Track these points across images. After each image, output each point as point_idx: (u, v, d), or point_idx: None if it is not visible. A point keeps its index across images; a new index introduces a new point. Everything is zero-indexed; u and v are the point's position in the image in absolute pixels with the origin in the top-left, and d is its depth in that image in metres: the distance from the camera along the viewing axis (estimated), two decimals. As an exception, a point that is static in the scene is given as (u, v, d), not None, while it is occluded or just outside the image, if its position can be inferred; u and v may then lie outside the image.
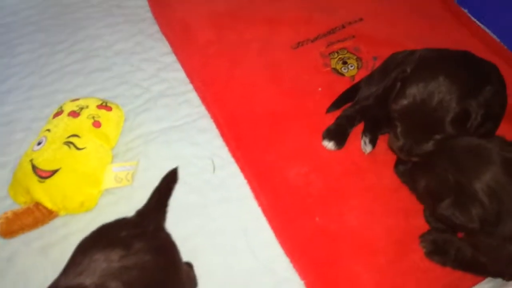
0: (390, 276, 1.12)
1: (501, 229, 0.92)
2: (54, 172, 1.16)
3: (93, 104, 1.31)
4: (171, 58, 1.58)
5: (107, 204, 1.27)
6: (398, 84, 1.10)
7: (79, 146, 1.21)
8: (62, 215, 1.21)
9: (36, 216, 1.16)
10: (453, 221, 0.95)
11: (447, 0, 1.72)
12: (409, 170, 1.16)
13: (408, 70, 1.08)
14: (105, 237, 0.92)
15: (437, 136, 1.03)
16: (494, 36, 1.63)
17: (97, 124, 1.27)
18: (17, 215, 1.15)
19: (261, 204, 1.25)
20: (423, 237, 1.15)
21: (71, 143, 1.20)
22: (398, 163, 1.25)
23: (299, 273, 1.13)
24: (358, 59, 1.52)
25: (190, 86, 1.51)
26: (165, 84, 1.52)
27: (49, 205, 1.16)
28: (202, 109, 1.45)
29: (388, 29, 1.60)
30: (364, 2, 1.69)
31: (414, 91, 1.03)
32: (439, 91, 1.00)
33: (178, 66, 1.56)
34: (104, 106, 1.32)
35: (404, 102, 1.04)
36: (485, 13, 1.67)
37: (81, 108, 1.29)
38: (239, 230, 1.22)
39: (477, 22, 1.67)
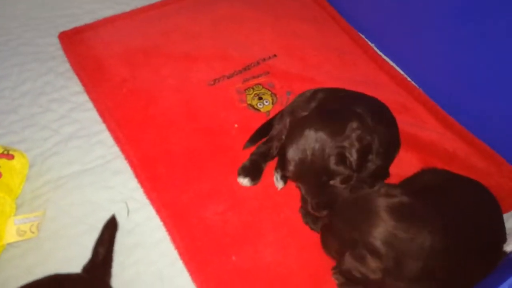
0: (305, 311, 1.14)
1: (404, 271, 0.95)
2: None
3: None
4: (83, 98, 1.53)
5: (12, 258, 1.18)
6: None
7: None
8: None
9: None
10: (356, 275, 0.97)
11: (355, 36, 1.83)
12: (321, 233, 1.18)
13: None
14: (51, 286, 0.93)
15: (333, 181, 1.08)
16: (399, 69, 1.75)
17: None
18: None
19: (177, 247, 1.22)
20: (335, 269, 1.18)
21: None
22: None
23: (214, 317, 1.11)
24: (273, 95, 1.57)
25: (103, 126, 1.46)
26: (77, 125, 1.46)
27: None
28: (116, 150, 1.41)
29: (301, 65, 1.67)
30: (277, 39, 1.76)
31: (292, 155, 1.09)
32: (308, 144, 1.06)
33: (90, 105, 1.51)
34: (5, 154, 1.24)
35: (291, 167, 1.10)
36: (390, 47, 1.80)
37: None
38: (155, 277, 1.18)
39: (383, 55, 1.80)
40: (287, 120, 1.24)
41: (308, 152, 1.05)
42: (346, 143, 1.05)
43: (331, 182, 1.08)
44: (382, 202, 0.96)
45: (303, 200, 1.17)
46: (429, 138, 1.47)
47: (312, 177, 1.08)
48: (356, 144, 1.06)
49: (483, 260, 1.05)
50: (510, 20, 1.29)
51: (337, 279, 1.17)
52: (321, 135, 1.05)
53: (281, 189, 1.34)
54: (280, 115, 1.40)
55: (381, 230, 0.93)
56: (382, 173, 1.22)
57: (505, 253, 1.13)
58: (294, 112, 1.29)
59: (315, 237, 1.25)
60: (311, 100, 1.29)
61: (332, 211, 1.07)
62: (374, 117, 1.15)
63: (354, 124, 1.08)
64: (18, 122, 1.46)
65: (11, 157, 1.24)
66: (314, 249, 1.24)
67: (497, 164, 1.43)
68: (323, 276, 1.19)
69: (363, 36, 1.85)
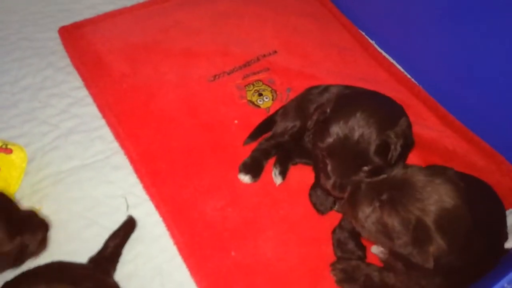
0: (304, 307, 1.14)
1: (442, 263, 0.92)
2: None
3: None
4: (83, 93, 1.53)
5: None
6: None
7: None
8: None
9: None
10: (409, 259, 0.94)
11: (356, 33, 1.83)
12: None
13: (328, 110, 1.13)
14: (55, 271, 0.95)
15: (365, 168, 1.07)
16: (399, 66, 1.75)
17: None
18: None
19: (176, 242, 1.22)
20: (333, 265, 1.19)
21: None
22: (315, 190, 1.29)
23: (214, 312, 1.12)
24: (273, 91, 1.57)
25: (103, 121, 1.46)
26: (77, 120, 1.46)
27: None
28: (115, 145, 1.41)
29: (301, 61, 1.67)
30: (277, 35, 1.76)
31: (337, 129, 1.07)
32: (359, 125, 1.05)
33: (90, 100, 1.51)
34: (4, 148, 1.24)
35: (330, 140, 1.08)
36: (390, 44, 1.80)
37: None
38: (155, 272, 1.18)
39: (383, 53, 1.79)
40: (332, 91, 1.23)
41: (356, 133, 1.04)
42: (393, 136, 1.05)
43: (365, 169, 1.07)
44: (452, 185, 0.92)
45: (320, 177, 1.15)
46: (429, 136, 1.47)
47: (348, 156, 1.07)
48: (402, 140, 1.06)
49: (489, 256, 1.05)
50: (509, 17, 1.29)
51: (336, 275, 1.17)
52: (374, 121, 1.05)
53: (279, 184, 1.34)
54: (283, 110, 1.39)
55: (448, 217, 0.90)
56: None
57: (506, 250, 1.13)
58: (304, 106, 1.28)
59: (315, 233, 1.26)
60: (324, 93, 1.28)
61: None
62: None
63: (405, 121, 1.09)
64: (18, 117, 1.46)
65: (10, 151, 1.24)
66: (313, 245, 1.24)
67: (497, 163, 1.43)
68: (322, 272, 1.19)
69: (363, 33, 1.85)
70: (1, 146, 1.25)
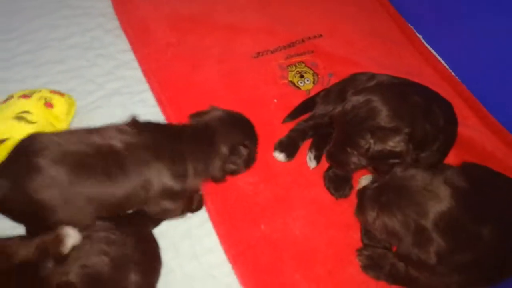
0: (327, 285, 1.16)
1: (455, 259, 0.95)
2: (2, 141, 1.15)
3: (45, 90, 1.30)
4: (129, 56, 1.56)
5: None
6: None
7: (30, 119, 1.20)
8: None
9: None
10: (412, 257, 0.97)
11: (403, 25, 1.80)
12: (360, 203, 1.12)
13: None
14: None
15: (362, 143, 1.08)
16: (444, 63, 1.72)
17: (49, 105, 1.26)
18: None
19: (208, 209, 1.26)
20: (360, 251, 1.20)
21: (22, 118, 1.19)
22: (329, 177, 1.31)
23: (239, 279, 1.15)
24: (315, 74, 1.57)
25: (146, 86, 1.49)
26: (121, 82, 1.50)
27: None
28: (157, 110, 1.44)
29: (346, 48, 1.66)
30: (324, 19, 1.75)
31: (351, 101, 1.10)
32: (374, 103, 1.07)
33: (135, 64, 1.54)
34: (57, 92, 1.30)
35: (339, 108, 1.11)
36: (438, 40, 1.77)
37: (33, 92, 1.27)
38: (184, 235, 1.22)
39: (430, 48, 1.77)
40: (381, 81, 1.26)
41: (365, 109, 1.07)
42: (403, 133, 1.05)
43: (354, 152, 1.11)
44: (449, 187, 0.95)
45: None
46: (468, 135, 1.45)
47: (349, 129, 1.10)
48: (411, 144, 1.07)
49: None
50: None
51: (361, 261, 1.19)
52: (395, 108, 1.07)
53: (313, 168, 1.35)
54: (325, 93, 1.39)
55: (446, 217, 0.93)
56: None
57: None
58: (347, 90, 1.27)
59: (344, 218, 1.27)
60: (371, 80, 1.28)
61: (386, 184, 1.03)
62: (446, 117, 1.16)
63: (422, 125, 1.09)
64: (65, 73, 1.50)
65: (62, 95, 1.31)
66: (341, 229, 1.25)
67: (536, 169, 1.41)
68: (348, 256, 1.21)
69: (411, 27, 1.82)
70: (54, 91, 1.31)
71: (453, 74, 1.68)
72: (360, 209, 1.07)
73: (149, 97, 1.46)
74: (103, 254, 0.93)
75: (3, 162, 0.98)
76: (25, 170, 0.94)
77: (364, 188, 1.07)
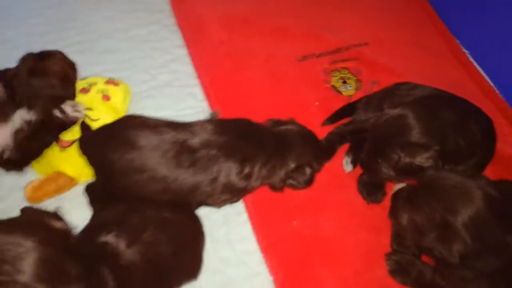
0: (353, 285, 1.20)
1: (481, 264, 0.98)
2: (73, 142, 1.25)
3: (101, 80, 1.40)
4: (183, 51, 1.66)
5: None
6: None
7: (93, 117, 1.30)
8: (82, 183, 1.29)
9: (58, 183, 1.26)
10: (435, 254, 1.01)
11: (449, 39, 1.81)
12: (393, 205, 1.18)
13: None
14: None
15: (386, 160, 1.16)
16: (488, 79, 1.72)
17: (106, 98, 1.36)
18: (41, 182, 1.25)
19: (245, 200, 1.32)
20: (389, 255, 1.23)
21: (86, 115, 1.29)
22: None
23: (270, 269, 1.21)
24: (358, 81, 1.61)
25: (196, 81, 1.59)
26: (173, 75, 1.60)
27: (70, 172, 1.25)
28: (205, 104, 1.53)
29: (391, 58, 1.69)
30: (371, 28, 1.79)
31: (388, 113, 1.16)
32: (407, 117, 1.14)
33: (188, 59, 1.64)
34: (111, 82, 1.40)
35: (374, 118, 1.18)
36: (483, 55, 1.76)
37: (90, 85, 1.37)
38: (223, 221, 1.29)
39: (474, 63, 1.77)
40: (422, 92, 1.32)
41: (398, 124, 1.14)
42: (432, 150, 1.12)
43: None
44: (481, 191, 0.98)
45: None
46: (507, 153, 1.45)
47: (381, 141, 1.18)
48: (436, 162, 1.13)
49: None
50: None
51: (389, 265, 1.21)
52: (427, 124, 1.14)
53: (349, 172, 1.39)
54: (367, 100, 1.43)
55: (475, 218, 0.95)
56: None
57: None
58: (389, 99, 1.32)
59: (375, 222, 1.30)
60: (413, 90, 1.32)
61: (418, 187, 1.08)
62: (484, 132, 1.20)
63: (455, 141, 1.15)
64: (121, 63, 1.62)
65: (116, 84, 1.41)
66: (371, 233, 1.29)
67: None
68: (376, 259, 1.24)
69: (457, 41, 1.82)
70: (109, 80, 1.41)
71: (496, 90, 1.67)
72: (393, 211, 1.11)
73: (198, 92, 1.55)
74: (161, 232, 1.01)
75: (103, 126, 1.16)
76: (118, 142, 1.08)
77: (399, 190, 1.11)
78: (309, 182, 1.25)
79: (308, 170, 1.21)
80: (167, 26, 1.73)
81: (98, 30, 1.71)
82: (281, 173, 1.18)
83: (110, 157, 1.07)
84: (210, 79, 1.56)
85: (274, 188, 1.22)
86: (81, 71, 1.51)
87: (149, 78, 1.58)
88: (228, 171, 1.10)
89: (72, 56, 1.58)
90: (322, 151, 1.28)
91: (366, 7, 1.87)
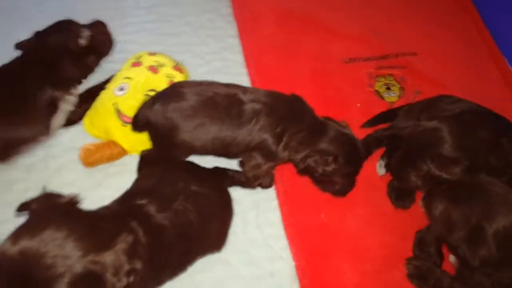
0: (371, 282, 1.25)
1: (500, 275, 1.01)
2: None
3: (169, 64, 1.48)
4: (235, 42, 1.74)
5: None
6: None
7: None
8: (130, 154, 1.41)
9: (112, 151, 1.36)
10: (458, 252, 1.07)
11: (497, 57, 1.80)
12: (430, 193, 1.23)
13: None
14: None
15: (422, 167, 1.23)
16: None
17: (171, 84, 1.43)
18: (97, 147, 1.36)
19: (277, 189, 1.40)
20: (409, 260, 1.27)
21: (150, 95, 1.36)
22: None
23: (293, 255, 1.28)
24: (401, 89, 1.64)
25: (245, 70, 1.67)
26: (224, 63, 1.68)
27: (124, 145, 1.36)
28: (250, 94, 1.60)
29: (437, 69, 1.70)
30: (421, 39, 1.80)
31: (423, 125, 1.23)
32: (442, 131, 1.23)
33: (239, 49, 1.72)
34: (178, 68, 1.49)
35: (410, 129, 1.25)
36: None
37: (160, 65, 1.45)
38: (252, 205, 1.37)
39: (524, 85, 1.74)
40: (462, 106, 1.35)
41: (431, 136, 1.22)
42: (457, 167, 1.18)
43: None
44: None
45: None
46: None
47: (412, 151, 1.25)
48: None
49: None
50: None
51: (409, 269, 1.25)
52: (460, 140, 1.21)
53: (381, 176, 1.43)
54: (409, 108, 1.46)
55: (507, 228, 0.99)
56: None
57: None
58: (431, 110, 1.36)
59: (401, 226, 1.34)
60: (455, 104, 1.35)
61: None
62: None
63: (485, 159, 1.19)
64: (178, 46, 1.72)
65: (181, 71, 1.49)
66: (396, 236, 1.33)
67: None
68: (396, 262, 1.28)
69: (505, 59, 1.80)
70: (176, 65, 1.49)
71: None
72: (429, 199, 1.16)
73: (245, 81, 1.63)
74: (190, 203, 1.10)
75: (159, 91, 1.29)
76: (172, 95, 1.22)
77: (437, 184, 1.16)
78: (328, 173, 1.23)
79: (330, 160, 1.21)
80: (224, 16, 1.82)
81: (162, 13, 1.83)
82: (306, 151, 1.22)
83: (166, 111, 1.19)
84: (257, 70, 1.63)
85: (297, 165, 1.27)
86: (144, 48, 1.62)
87: (203, 63, 1.67)
88: (265, 126, 1.19)
89: (140, 33, 1.75)
90: (358, 159, 1.29)
91: (416, 15, 1.90)
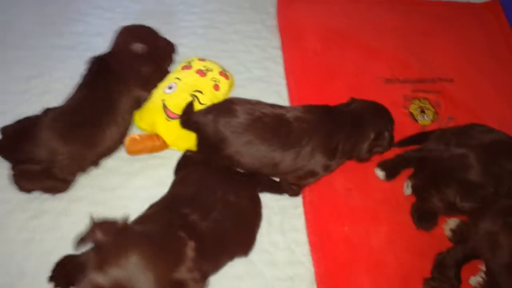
0: (387, 298, 1.29)
1: None
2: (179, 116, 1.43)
3: (216, 69, 1.57)
4: (277, 53, 1.82)
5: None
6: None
7: (201, 101, 1.47)
8: (170, 149, 1.50)
9: (155, 143, 1.46)
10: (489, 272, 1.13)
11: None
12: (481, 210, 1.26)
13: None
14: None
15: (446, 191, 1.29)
16: None
17: (217, 87, 1.54)
18: (142, 138, 1.46)
19: (304, 197, 1.46)
20: (427, 280, 1.30)
21: (196, 96, 1.47)
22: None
23: (314, 261, 1.33)
24: (435, 113, 1.67)
25: (283, 81, 1.74)
26: (265, 72, 1.76)
27: (167, 139, 1.45)
28: (287, 104, 1.67)
29: (473, 98, 1.73)
30: (460, 65, 1.83)
31: (451, 150, 1.33)
32: (469, 157, 1.29)
33: (280, 60, 1.80)
34: (224, 74, 1.58)
35: (438, 153, 1.35)
36: None
37: (207, 70, 1.55)
38: (279, 210, 1.43)
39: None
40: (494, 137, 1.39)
41: (469, 166, 1.27)
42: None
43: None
44: None
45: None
46: None
47: (445, 176, 1.31)
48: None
49: None
50: None
51: (426, 289, 1.29)
52: (482, 168, 1.27)
53: (407, 195, 1.46)
54: (441, 133, 1.48)
55: None
56: None
57: None
58: (462, 137, 1.39)
59: (422, 246, 1.37)
60: (486, 134, 1.38)
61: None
62: None
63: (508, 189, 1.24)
64: (225, 52, 1.81)
65: (227, 77, 1.58)
66: (416, 255, 1.36)
67: None
68: (414, 281, 1.31)
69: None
70: (222, 71, 1.58)
71: None
72: (476, 215, 1.21)
73: (284, 92, 1.70)
74: (226, 212, 1.18)
75: (213, 104, 1.39)
76: (225, 110, 1.30)
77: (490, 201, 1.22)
78: (390, 143, 1.40)
79: (387, 134, 1.36)
80: (269, 27, 1.90)
81: (211, 19, 1.93)
82: (365, 146, 1.33)
83: (218, 124, 1.27)
84: (297, 83, 1.70)
85: (362, 159, 1.38)
86: (193, 51, 1.74)
87: (245, 70, 1.76)
88: (316, 144, 1.28)
89: (190, 36, 1.86)
90: (390, 114, 1.43)
91: (456, 41, 1.93)
